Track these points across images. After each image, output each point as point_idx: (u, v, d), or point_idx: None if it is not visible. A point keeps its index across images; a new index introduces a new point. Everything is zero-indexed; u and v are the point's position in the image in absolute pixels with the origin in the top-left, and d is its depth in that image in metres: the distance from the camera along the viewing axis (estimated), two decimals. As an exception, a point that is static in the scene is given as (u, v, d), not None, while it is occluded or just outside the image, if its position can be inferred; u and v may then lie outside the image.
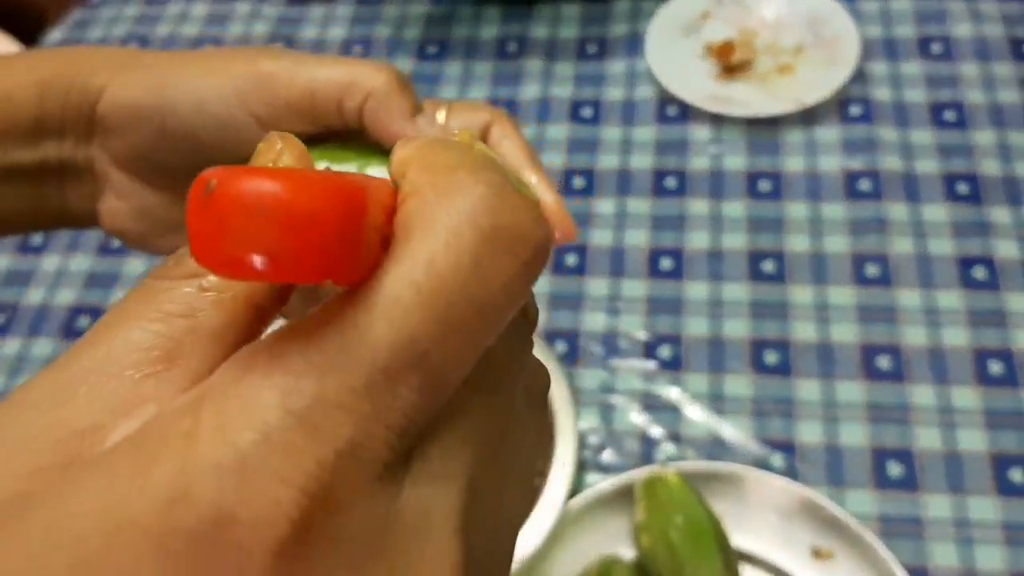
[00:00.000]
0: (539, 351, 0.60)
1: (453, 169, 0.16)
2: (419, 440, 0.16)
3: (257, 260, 0.14)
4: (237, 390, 0.14)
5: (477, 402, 0.17)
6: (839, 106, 0.76)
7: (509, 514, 0.18)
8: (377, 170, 0.29)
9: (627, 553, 0.55)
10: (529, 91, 0.80)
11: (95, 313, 0.71)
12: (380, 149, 0.31)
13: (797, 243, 0.69)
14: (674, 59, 0.79)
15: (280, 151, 0.18)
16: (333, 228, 0.14)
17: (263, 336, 0.16)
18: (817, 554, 0.54)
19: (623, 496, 0.56)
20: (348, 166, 0.29)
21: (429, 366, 0.15)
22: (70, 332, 0.70)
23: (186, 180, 0.35)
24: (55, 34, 0.90)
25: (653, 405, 0.62)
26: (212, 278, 0.16)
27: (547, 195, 0.34)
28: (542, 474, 0.56)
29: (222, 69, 0.32)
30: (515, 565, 0.52)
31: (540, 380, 0.21)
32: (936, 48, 0.79)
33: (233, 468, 0.13)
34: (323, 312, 0.15)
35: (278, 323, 0.17)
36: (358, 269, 0.15)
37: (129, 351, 0.15)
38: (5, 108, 0.34)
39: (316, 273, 0.14)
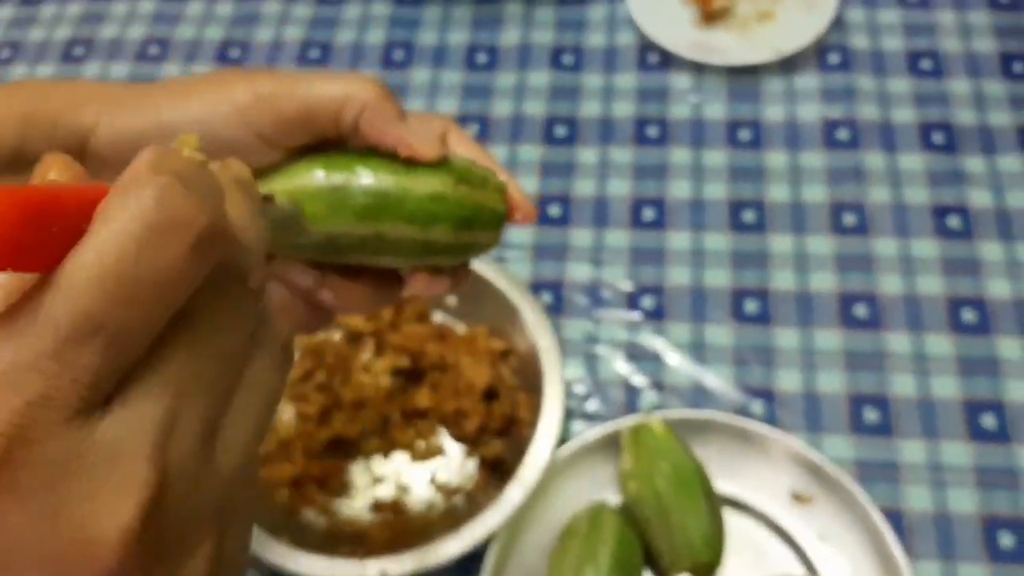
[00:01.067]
0: (525, 300, 0.60)
1: (138, 167, 0.21)
2: (118, 386, 0.20)
3: None
4: None
5: (178, 353, 0.21)
6: (818, 54, 0.76)
7: (235, 439, 0.22)
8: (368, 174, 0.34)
9: (614, 500, 0.57)
10: (510, 37, 0.79)
11: None
12: (373, 152, 0.35)
13: (777, 192, 0.70)
14: (655, 5, 0.78)
15: (48, 167, 0.22)
16: (10, 227, 0.17)
17: None
18: (797, 498, 0.56)
19: (609, 444, 0.57)
20: (346, 172, 0.34)
21: (108, 332, 0.19)
22: None
23: None
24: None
25: (637, 355, 0.63)
26: None
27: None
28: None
29: (221, 92, 0.34)
30: (506, 512, 0.53)
31: (274, 331, 0.25)
32: (914, -5, 0.79)
33: None
34: (25, 295, 0.19)
35: None
36: (48, 259, 0.19)
37: None
38: None
39: (15, 260, 0.18)
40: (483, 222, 0.36)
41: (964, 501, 0.56)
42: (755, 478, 0.56)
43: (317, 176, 0.34)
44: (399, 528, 0.58)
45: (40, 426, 0.18)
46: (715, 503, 0.54)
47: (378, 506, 0.59)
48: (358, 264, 0.36)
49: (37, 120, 0.36)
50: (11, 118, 0.36)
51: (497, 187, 0.37)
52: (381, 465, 0.60)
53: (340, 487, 0.59)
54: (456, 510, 0.58)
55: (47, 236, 0.19)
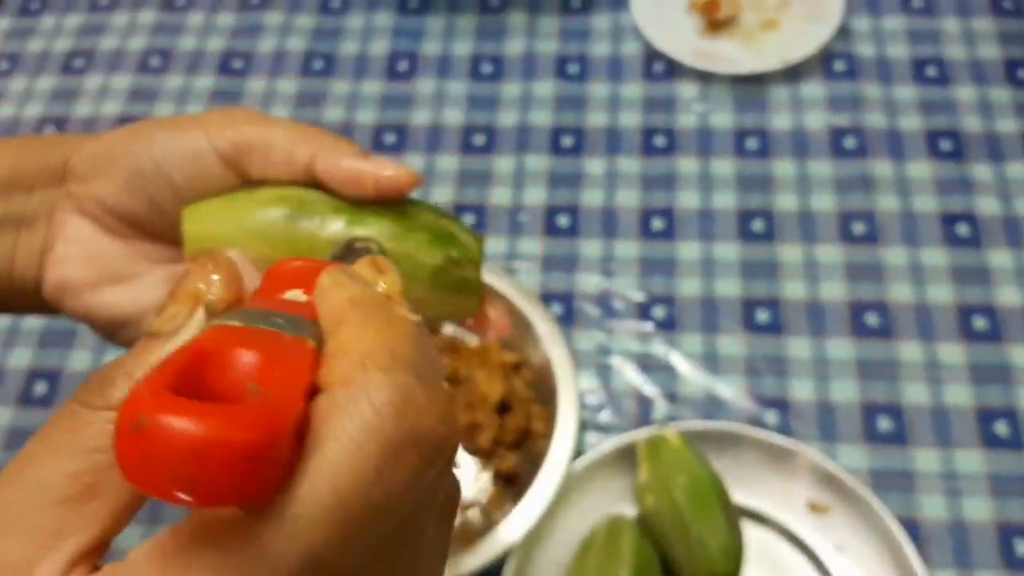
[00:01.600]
0: (536, 311, 0.60)
1: (363, 360, 0.18)
2: None
3: (180, 494, 0.15)
4: None
5: (386, 555, 0.19)
6: (823, 62, 0.76)
7: None
8: (335, 222, 0.32)
9: (630, 512, 0.56)
10: (514, 46, 0.79)
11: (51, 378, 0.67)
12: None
13: (785, 201, 0.69)
14: (659, 14, 0.78)
15: (208, 281, 0.21)
16: (248, 464, 0.16)
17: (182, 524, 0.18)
18: (814, 508, 0.55)
19: (624, 457, 0.57)
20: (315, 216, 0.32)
21: (328, 567, 0.17)
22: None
23: (147, 225, 0.36)
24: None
25: (649, 366, 0.63)
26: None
27: None
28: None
29: (195, 118, 0.35)
30: (522, 527, 0.53)
31: (452, 500, 0.23)
32: (917, 3, 0.79)
33: None
34: (237, 520, 0.17)
35: None
36: (273, 484, 0.17)
37: (54, 484, 0.17)
38: None
39: (234, 502, 0.16)
40: (464, 288, 0.34)
41: (979, 509, 0.56)
42: (771, 489, 0.56)
43: (286, 209, 0.33)
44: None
45: None
46: (733, 514, 0.54)
47: (392, 521, 0.58)
48: None
49: (31, 147, 0.37)
50: (8, 145, 0.37)
51: (473, 258, 0.35)
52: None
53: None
54: (471, 524, 0.58)
55: (270, 466, 0.16)
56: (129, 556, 0.17)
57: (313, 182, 0.34)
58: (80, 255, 0.36)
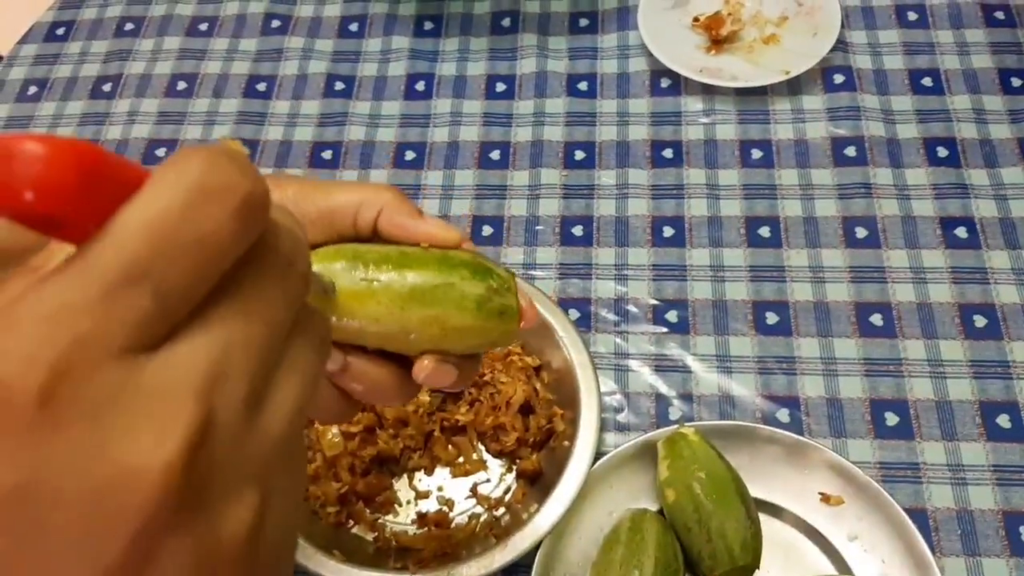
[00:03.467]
0: (556, 316, 0.63)
1: (185, 151, 0.22)
2: (167, 336, 0.21)
3: (26, 192, 0.19)
4: (13, 303, 0.19)
5: (226, 313, 0.22)
6: (823, 74, 0.79)
7: (276, 409, 0.23)
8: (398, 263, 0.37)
9: (652, 508, 0.59)
10: (526, 65, 0.82)
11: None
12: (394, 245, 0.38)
13: (790, 208, 0.72)
14: (665, 32, 0.82)
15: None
16: (78, 170, 0.19)
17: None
18: (827, 500, 0.58)
19: (644, 455, 0.59)
20: (376, 260, 0.36)
21: (154, 280, 0.20)
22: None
23: None
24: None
25: (665, 367, 0.66)
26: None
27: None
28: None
29: None
30: (548, 524, 0.55)
31: (317, 320, 0.26)
32: (912, 16, 0.82)
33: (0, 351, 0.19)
34: (83, 246, 0.20)
35: None
36: (104, 214, 0.20)
37: None
38: None
39: (70, 206, 0.19)
40: (505, 312, 0.38)
41: (985, 498, 0.59)
42: (785, 482, 0.59)
43: (343, 262, 0.36)
44: (444, 541, 0.60)
45: (86, 362, 0.19)
46: (752, 508, 0.56)
47: (422, 520, 0.61)
48: (377, 348, 0.37)
49: None
50: None
51: (509, 287, 0.39)
52: (424, 481, 0.63)
53: (385, 503, 0.62)
54: (498, 523, 0.60)
55: (100, 186, 0.20)
56: None
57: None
58: None
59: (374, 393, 0.39)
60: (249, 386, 0.22)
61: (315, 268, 0.36)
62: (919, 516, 0.58)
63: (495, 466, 0.63)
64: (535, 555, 0.55)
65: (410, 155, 0.78)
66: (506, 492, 0.62)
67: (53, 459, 0.19)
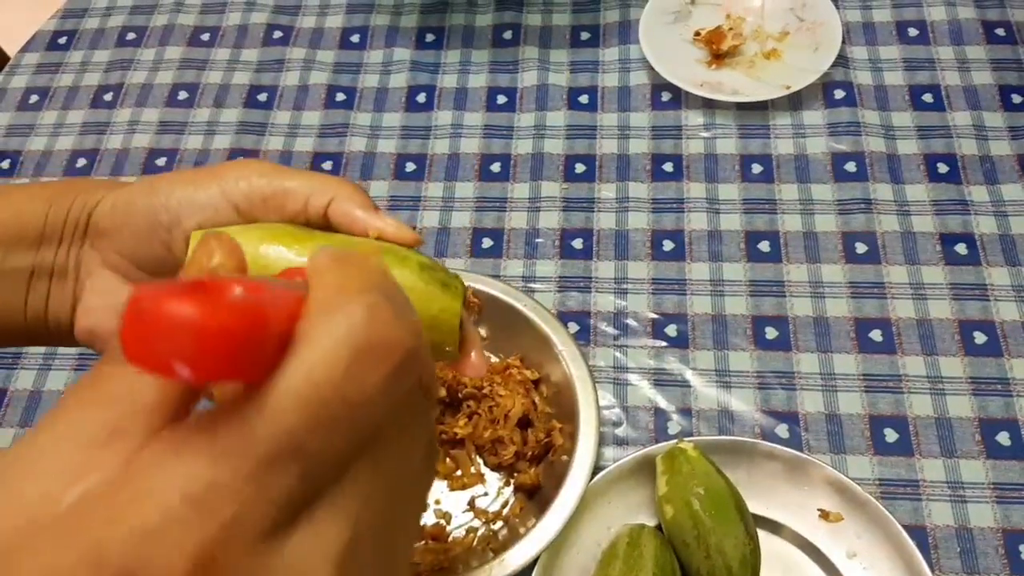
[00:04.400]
0: (556, 329, 0.63)
1: (341, 289, 0.21)
2: (306, 505, 0.20)
3: (177, 366, 0.18)
4: (151, 475, 0.18)
5: (364, 473, 0.21)
6: (824, 90, 0.79)
7: (397, 553, 0.23)
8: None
9: (650, 523, 0.59)
10: (527, 78, 0.82)
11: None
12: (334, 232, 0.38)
13: (790, 223, 0.72)
14: (665, 46, 0.82)
15: (212, 253, 0.23)
16: (236, 343, 0.18)
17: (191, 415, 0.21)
18: (826, 517, 0.58)
19: (643, 469, 0.59)
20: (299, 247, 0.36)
21: (305, 454, 0.19)
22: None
23: (165, 271, 0.40)
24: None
25: (664, 382, 0.66)
26: None
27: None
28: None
29: (211, 171, 0.39)
30: (546, 538, 0.55)
31: (432, 449, 0.26)
32: (913, 32, 0.82)
33: (140, 538, 0.17)
34: (224, 409, 0.19)
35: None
36: (259, 370, 0.19)
37: (81, 429, 0.19)
38: (17, 221, 0.40)
39: (224, 376, 0.18)
40: (449, 287, 0.37)
41: (984, 516, 0.59)
42: (784, 499, 0.59)
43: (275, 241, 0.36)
44: (441, 555, 0.59)
45: (230, 550, 0.18)
46: (750, 524, 0.56)
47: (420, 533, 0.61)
48: None
49: (58, 202, 0.41)
50: (38, 200, 0.41)
51: (457, 292, 0.37)
52: (421, 494, 0.62)
53: (382, 516, 0.61)
54: (496, 537, 0.60)
55: (257, 350, 0.19)
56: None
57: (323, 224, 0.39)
58: (105, 305, 0.40)
59: None
60: (378, 544, 0.22)
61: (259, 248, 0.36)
62: (918, 533, 0.58)
63: (493, 479, 0.63)
64: (532, 569, 0.55)
65: (411, 167, 0.78)
66: (504, 506, 0.61)
67: None
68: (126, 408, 0.20)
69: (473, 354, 0.38)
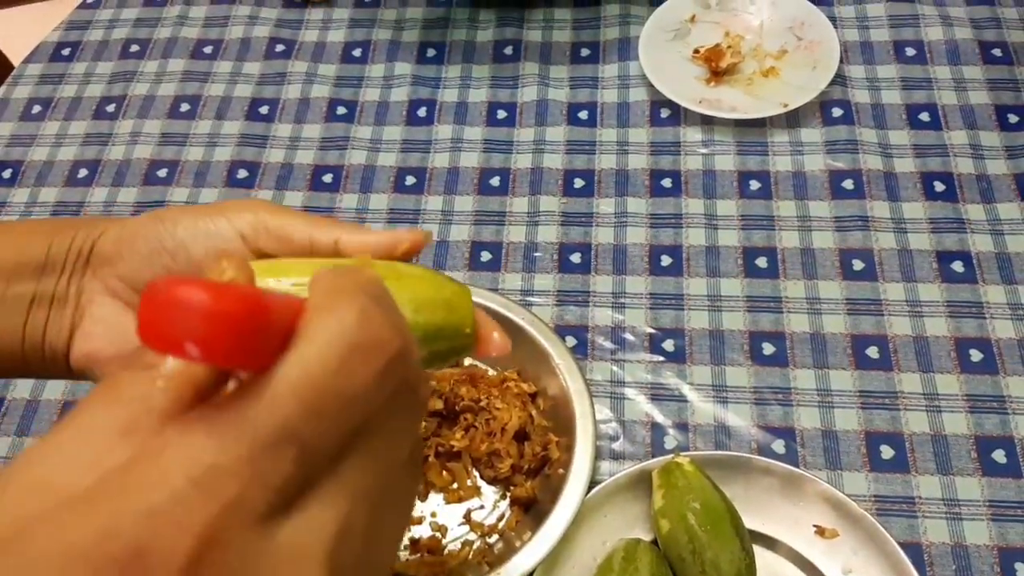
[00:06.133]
0: (554, 343, 0.63)
1: (337, 292, 0.23)
2: (300, 492, 0.21)
3: (188, 346, 0.19)
4: (159, 460, 0.20)
5: (356, 463, 0.23)
6: (821, 108, 0.80)
7: (384, 546, 0.25)
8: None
9: (645, 538, 0.59)
10: (527, 93, 0.83)
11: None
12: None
13: (787, 240, 0.73)
14: (664, 63, 0.82)
15: (224, 270, 0.24)
16: (242, 327, 0.20)
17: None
18: (822, 533, 0.58)
19: (639, 483, 0.59)
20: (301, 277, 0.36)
21: (301, 441, 0.21)
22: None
23: None
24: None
25: (661, 396, 0.66)
26: (163, 369, 0.22)
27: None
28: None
29: (217, 205, 0.40)
30: (541, 552, 0.55)
31: (419, 450, 0.27)
32: (910, 51, 0.83)
33: (149, 516, 0.19)
34: (226, 399, 0.21)
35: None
36: (261, 360, 0.21)
37: (100, 425, 0.21)
38: (19, 251, 0.41)
39: (230, 360, 0.20)
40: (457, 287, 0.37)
41: (980, 534, 0.59)
42: (780, 514, 0.59)
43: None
44: (436, 568, 0.59)
45: (230, 529, 0.20)
46: (746, 539, 0.56)
47: (415, 546, 0.61)
48: None
49: (62, 232, 0.41)
50: (41, 232, 0.42)
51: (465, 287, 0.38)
52: (417, 506, 0.62)
53: (378, 528, 0.61)
54: (491, 550, 0.60)
55: (260, 337, 0.21)
56: None
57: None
58: (105, 331, 0.41)
59: None
60: (368, 533, 0.23)
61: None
62: (914, 550, 0.58)
63: (489, 492, 0.63)
64: (528, 583, 0.55)
65: (410, 180, 0.79)
66: (500, 519, 0.61)
67: None
68: (140, 408, 0.21)
69: (495, 334, 0.38)
